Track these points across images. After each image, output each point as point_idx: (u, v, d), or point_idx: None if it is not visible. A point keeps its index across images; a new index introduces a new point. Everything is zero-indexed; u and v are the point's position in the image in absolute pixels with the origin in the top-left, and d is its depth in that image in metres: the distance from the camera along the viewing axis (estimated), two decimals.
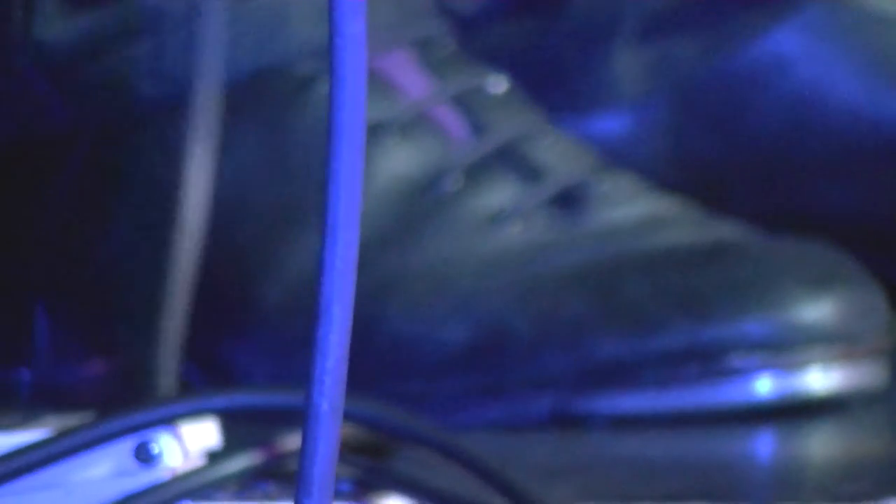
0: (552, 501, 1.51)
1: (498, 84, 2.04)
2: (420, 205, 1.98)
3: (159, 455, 1.48)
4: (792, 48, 2.23)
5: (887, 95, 2.21)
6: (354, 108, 0.96)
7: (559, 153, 2.00)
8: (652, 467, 1.83)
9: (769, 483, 1.85)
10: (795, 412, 1.91)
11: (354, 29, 0.97)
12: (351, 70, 0.96)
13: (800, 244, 1.95)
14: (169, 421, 1.49)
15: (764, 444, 1.92)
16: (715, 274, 1.92)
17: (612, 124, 2.24)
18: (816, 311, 1.91)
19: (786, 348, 1.90)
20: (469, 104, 2.01)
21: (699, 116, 2.25)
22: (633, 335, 1.93)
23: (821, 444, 1.95)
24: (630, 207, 1.98)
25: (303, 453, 0.99)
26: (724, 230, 1.96)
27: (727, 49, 2.23)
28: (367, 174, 1.55)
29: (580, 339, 1.93)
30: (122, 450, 1.49)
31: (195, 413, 1.51)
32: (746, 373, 1.89)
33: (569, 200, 1.96)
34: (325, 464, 0.99)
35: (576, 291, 1.95)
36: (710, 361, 1.89)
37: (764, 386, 1.88)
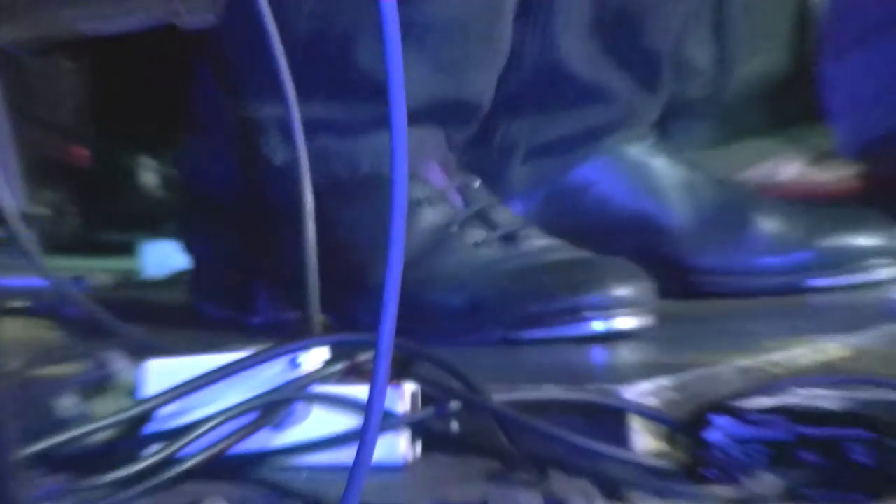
0: (494, 386, 2.11)
1: (476, 182, 2.62)
2: (439, 238, 2.56)
3: (301, 363, 2.09)
4: (594, 176, 2.73)
5: (649, 205, 2.68)
6: (401, 189, 1.59)
7: (503, 215, 2.61)
8: (553, 365, 2.43)
9: (606, 367, 2.42)
10: (614, 338, 2.52)
11: (402, 142, 1.59)
12: (400, 170, 1.60)
13: (616, 259, 2.56)
14: (308, 347, 2.10)
15: (599, 352, 2.47)
16: (578, 272, 2.54)
17: (516, 207, 2.80)
18: (623, 290, 2.51)
19: (609, 308, 2.51)
20: (463, 191, 2.61)
21: (553, 208, 2.81)
22: (541, 301, 2.54)
23: (628, 351, 2.48)
24: (536, 241, 2.60)
25: (375, 362, 1.64)
26: (581, 252, 2.58)
27: (566, 173, 2.74)
28: (411, 221, 2.36)
29: (517, 303, 2.53)
30: (286, 359, 2.08)
31: (320, 344, 2.12)
32: (592, 319, 2.52)
33: (509, 237, 2.59)
34: (384, 368, 1.65)
35: (515, 280, 2.55)
36: (576, 314, 2.52)
37: (599, 325, 2.53)
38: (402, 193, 1.62)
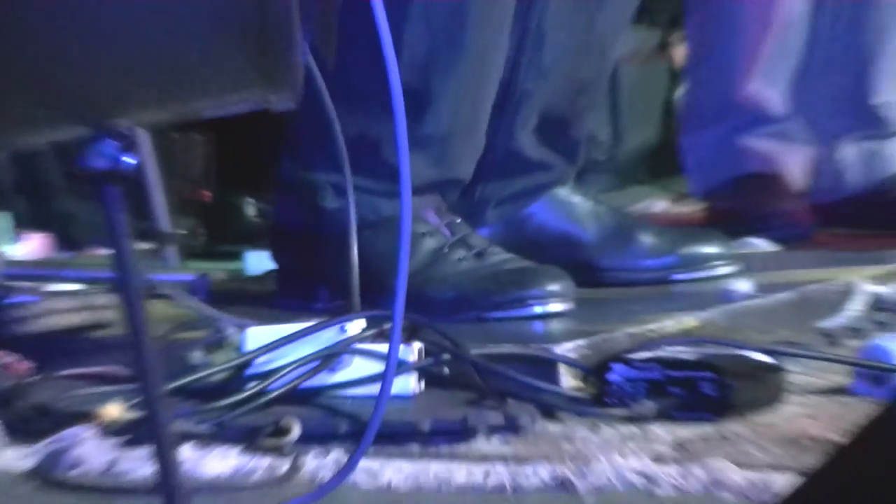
0: (472, 345, 2.10)
1: (458, 219, 2.51)
2: (435, 256, 2.45)
3: (347, 330, 2.06)
4: (536, 210, 2.65)
5: (570, 227, 2.61)
6: (407, 227, 1.60)
7: (476, 239, 2.50)
8: (510, 333, 2.33)
9: (543, 334, 2.31)
10: (548, 317, 2.42)
11: (408, 198, 1.59)
12: (407, 213, 1.59)
13: (549, 267, 2.44)
14: (351, 320, 2.08)
15: (539, 325, 2.39)
16: (525, 275, 2.42)
17: (485, 232, 2.69)
18: (553, 286, 2.40)
19: (544, 298, 2.40)
20: (450, 226, 2.50)
21: (509, 231, 2.71)
22: (501, 294, 2.42)
23: (557, 324, 2.39)
24: (497, 256, 2.49)
25: (391, 330, 1.65)
26: (527, 262, 2.47)
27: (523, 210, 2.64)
28: (416, 246, 2.33)
29: (485, 296, 2.43)
30: (337, 327, 2.06)
31: (358, 318, 2.10)
32: (534, 305, 2.41)
33: (480, 254, 2.48)
34: (397, 333, 1.65)
35: (484, 281, 2.44)
36: (524, 302, 2.41)
37: (538, 309, 2.41)
38: (407, 230, 1.60)
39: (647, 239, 2.54)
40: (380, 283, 2.24)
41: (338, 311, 2.17)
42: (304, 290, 2.43)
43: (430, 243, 2.40)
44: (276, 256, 2.52)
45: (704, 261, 2.53)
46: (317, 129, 2.32)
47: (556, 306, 2.36)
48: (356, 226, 2.23)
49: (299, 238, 2.45)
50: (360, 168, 2.25)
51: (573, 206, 2.58)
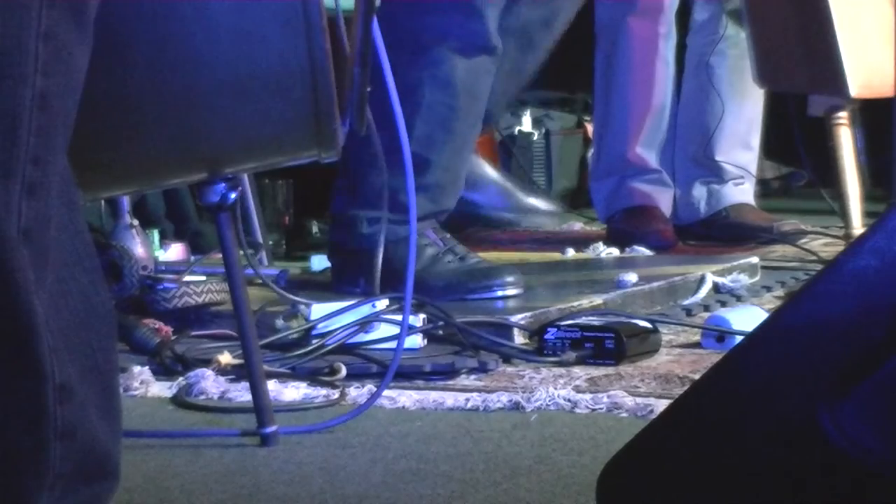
0: (457, 314, 2.06)
1: (447, 235, 2.40)
2: (432, 260, 2.33)
3: (376, 305, 2.02)
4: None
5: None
6: (414, 239, 1.69)
7: (460, 248, 2.38)
8: (481, 308, 2.19)
9: (504, 309, 2.18)
10: (507, 298, 2.29)
11: (414, 225, 1.68)
12: (413, 235, 1.69)
13: (507, 265, 2.38)
14: (379, 299, 2.05)
15: (501, 304, 2.27)
16: (491, 271, 2.33)
17: None
18: (510, 278, 2.30)
19: (504, 286, 2.29)
20: (443, 240, 2.37)
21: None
22: (476, 284, 2.31)
23: (513, 303, 2.26)
24: (475, 259, 2.37)
25: (404, 306, 1.64)
26: (491, 263, 2.40)
27: None
28: (421, 255, 2.24)
29: (466, 286, 2.30)
30: (369, 304, 2.02)
31: (384, 298, 2.05)
32: (497, 290, 2.29)
33: (462, 258, 2.35)
34: (407, 308, 1.65)
35: (465, 275, 2.32)
36: (490, 288, 2.30)
37: (500, 293, 2.29)
38: (413, 246, 1.68)
39: (505, 184, 2.54)
40: (398, 276, 2.20)
41: (369, 294, 2.15)
42: (349, 280, 2.36)
43: (429, 251, 2.32)
44: (332, 260, 2.47)
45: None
46: (357, 179, 2.34)
47: (511, 291, 2.29)
48: (384, 241, 2.24)
49: (345, 250, 2.40)
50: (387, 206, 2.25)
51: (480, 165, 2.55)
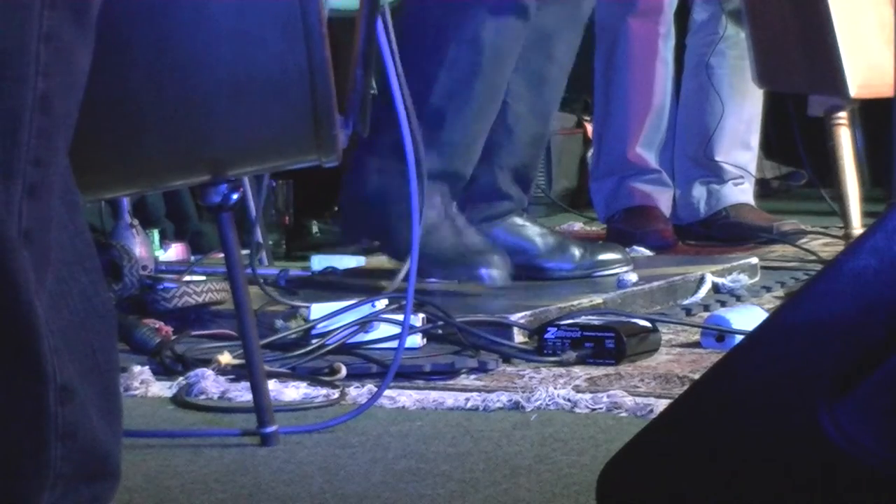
0: (456, 314, 2.04)
1: (453, 205, 2.35)
2: (431, 228, 2.26)
3: (376, 305, 2.01)
4: (500, 235, 2.47)
5: (524, 243, 2.48)
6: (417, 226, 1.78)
7: (462, 222, 2.33)
8: (481, 307, 2.18)
9: (503, 307, 2.13)
10: (492, 282, 2.28)
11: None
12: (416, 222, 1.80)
13: (498, 252, 2.32)
14: (378, 299, 2.03)
15: (500, 302, 2.23)
16: (478, 256, 2.29)
17: None
18: (497, 269, 2.28)
19: (489, 268, 2.28)
20: (446, 208, 2.33)
21: None
22: (459, 269, 2.29)
23: (512, 302, 2.18)
24: (469, 236, 2.31)
25: (405, 306, 1.68)
26: (486, 246, 2.33)
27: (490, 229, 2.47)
28: (426, 216, 2.13)
29: (451, 267, 2.29)
30: (369, 304, 2.02)
31: (383, 298, 2.04)
32: (482, 276, 2.27)
33: (460, 233, 2.31)
34: (409, 307, 1.62)
35: (456, 255, 2.29)
36: (473, 274, 2.28)
37: (491, 278, 2.27)
38: (416, 244, 1.57)
39: (575, 250, 2.46)
40: (394, 235, 2.21)
41: (371, 250, 2.16)
42: (353, 230, 2.35)
43: (430, 214, 2.27)
44: (341, 199, 2.43)
45: (611, 263, 2.45)
46: (385, 142, 2.26)
47: (495, 274, 2.27)
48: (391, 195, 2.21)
49: (355, 196, 2.35)
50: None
51: (525, 228, 2.47)
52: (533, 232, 2.47)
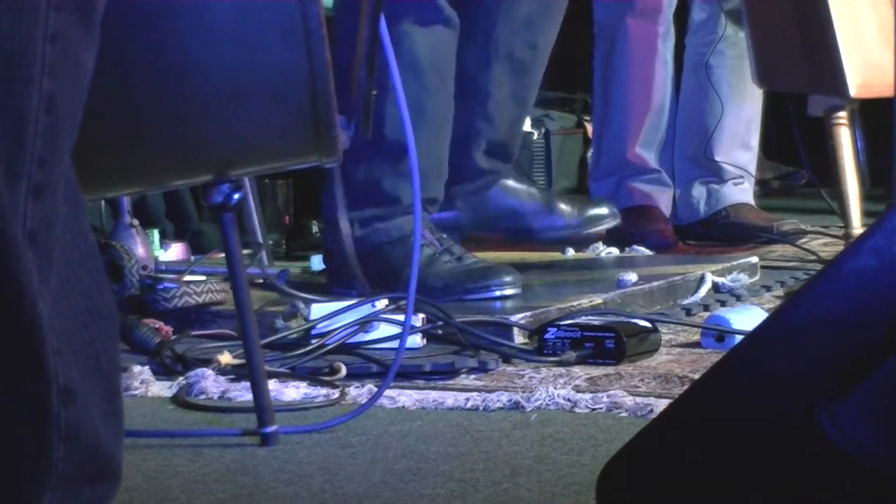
0: (456, 315, 2.03)
1: (444, 235, 2.37)
2: (430, 260, 2.30)
3: (376, 305, 2.02)
4: (493, 195, 2.52)
5: (517, 205, 2.53)
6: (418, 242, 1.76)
7: (456, 248, 2.35)
8: (480, 308, 2.21)
9: (503, 308, 2.15)
10: (504, 298, 2.26)
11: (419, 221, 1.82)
12: (418, 236, 1.76)
13: (504, 266, 2.32)
14: (378, 299, 2.03)
15: (498, 303, 2.24)
16: (488, 271, 2.29)
17: (454, 214, 2.54)
18: (507, 278, 2.27)
19: (501, 286, 2.26)
20: (440, 240, 2.34)
21: (477, 212, 2.54)
22: (473, 283, 2.27)
23: (512, 303, 2.22)
24: (471, 259, 2.33)
25: (406, 306, 1.66)
26: (490, 262, 2.34)
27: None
28: (422, 255, 2.21)
29: (464, 286, 2.27)
30: (369, 304, 2.01)
31: (383, 297, 2.03)
32: (495, 290, 2.26)
33: (460, 258, 2.32)
34: (410, 307, 1.62)
35: (462, 275, 2.29)
36: (488, 288, 2.27)
37: (497, 293, 2.27)
38: (417, 241, 1.57)
39: (563, 207, 2.45)
40: (394, 277, 2.20)
41: (366, 296, 2.13)
42: (345, 283, 2.34)
43: (426, 251, 2.30)
44: (326, 264, 2.45)
45: (599, 219, 2.47)
46: (344, 178, 2.32)
47: (509, 291, 2.28)
48: (379, 244, 2.22)
49: (339, 254, 2.36)
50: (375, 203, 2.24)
51: (516, 189, 2.47)
52: (522, 192, 2.46)
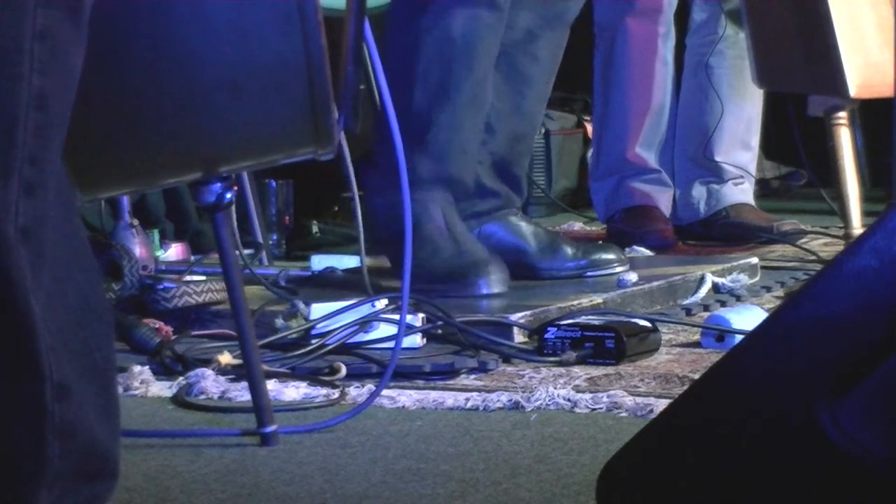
0: (456, 314, 2.03)
1: (457, 217, 2.36)
2: (434, 250, 2.29)
3: (376, 305, 2.00)
4: (496, 230, 2.49)
5: (519, 242, 2.47)
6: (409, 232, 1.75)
7: (461, 231, 2.33)
8: (480, 307, 2.20)
9: (503, 308, 2.14)
10: (494, 296, 2.27)
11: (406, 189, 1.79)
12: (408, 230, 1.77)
13: (495, 261, 2.30)
14: (378, 299, 2.02)
15: (500, 302, 2.23)
16: (476, 268, 2.28)
17: None
18: (496, 275, 2.27)
19: (490, 285, 2.27)
20: (447, 220, 2.33)
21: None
22: (456, 283, 2.27)
23: (512, 301, 2.19)
24: (466, 245, 2.31)
25: (401, 305, 1.62)
26: (482, 257, 2.31)
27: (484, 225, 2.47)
28: (425, 238, 2.18)
29: (450, 282, 2.27)
30: (369, 304, 2.00)
31: (383, 298, 2.02)
32: (482, 290, 2.27)
33: (458, 243, 2.30)
34: (405, 307, 1.63)
35: (455, 269, 2.28)
36: (473, 287, 2.26)
37: (489, 292, 2.27)
38: (409, 240, 1.57)
39: (568, 249, 2.44)
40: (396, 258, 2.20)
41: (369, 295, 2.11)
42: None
43: (429, 228, 2.28)
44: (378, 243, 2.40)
45: (605, 263, 2.44)
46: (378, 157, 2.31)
47: (495, 289, 2.26)
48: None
49: (382, 235, 2.34)
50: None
51: (520, 227, 2.46)
52: (527, 231, 2.46)
